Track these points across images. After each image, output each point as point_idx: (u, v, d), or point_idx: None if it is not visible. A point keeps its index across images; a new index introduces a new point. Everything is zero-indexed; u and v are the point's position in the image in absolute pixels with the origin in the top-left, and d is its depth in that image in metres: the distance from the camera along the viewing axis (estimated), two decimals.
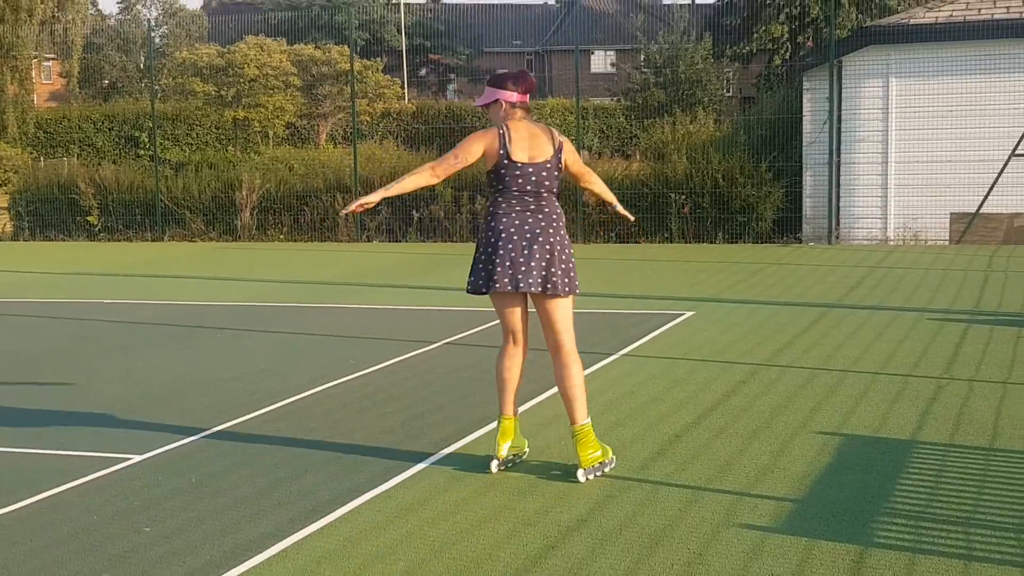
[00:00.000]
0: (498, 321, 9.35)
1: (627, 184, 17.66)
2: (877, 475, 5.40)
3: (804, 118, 16.91)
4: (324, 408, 7.09)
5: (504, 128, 5.55)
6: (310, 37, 43.61)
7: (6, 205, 21.42)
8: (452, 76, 56.24)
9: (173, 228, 19.80)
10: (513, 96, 5.60)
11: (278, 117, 32.13)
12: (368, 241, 18.68)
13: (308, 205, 19.20)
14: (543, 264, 5.49)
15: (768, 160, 17.11)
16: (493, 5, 60.07)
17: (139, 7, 61.63)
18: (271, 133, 33.88)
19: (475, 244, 5.63)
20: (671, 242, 17.30)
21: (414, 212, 18.47)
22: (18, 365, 8.80)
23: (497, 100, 5.60)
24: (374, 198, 5.50)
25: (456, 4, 60.11)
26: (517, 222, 5.51)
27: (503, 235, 5.50)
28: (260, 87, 30.38)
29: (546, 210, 5.56)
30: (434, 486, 5.42)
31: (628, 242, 17.48)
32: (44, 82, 54.95)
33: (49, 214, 20.32)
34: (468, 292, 5.65)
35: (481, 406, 6.98)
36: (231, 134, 34.90)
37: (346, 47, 31.47)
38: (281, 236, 19.26)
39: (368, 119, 33.25)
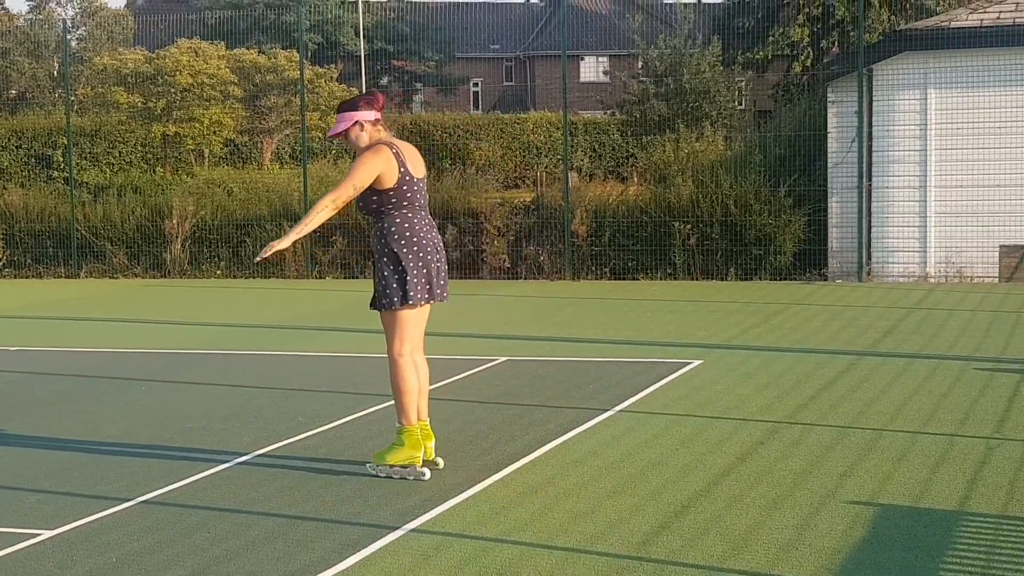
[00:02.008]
0: (469, 372, 9.56)
1: (623, 211, 17.71)
2: (919, 553, 5.39)
3: (829, 135, 17.02)
4: (267, 474, 7.05)
5: (393, 146, 6.71)
6: (253, 40, 43.76)
7: None
8: (419, 86, 56.45)
9: (91, 263, 19.73)
10: (371, 115, 6.75)
11: (215, 133, 32.08)
12: (320, 278, 18.67)
13: (250, 236, 19.17)
14: (445, 273, 6.89)
15: (787, 184, 17.20)
16: (467, 4, 60.49)
17: (52, 5, 61.73)
18: (207, 151, 33.84)
19: (384, 262, 6.69)
20: (675, 279, 17.35)
21: None
22: None
23: (356, 123, 6.73)
24: (286, 243, 6.61)
25: (424, 3, 60.46)
26: (431, 235, 6.79)
27: (428, 248, 6.74)
28: (194, 98, 30.37)
29: (432, 222, 6.89)
30: (394, 569, 5.38)
31: (624, 279, 17.52)
32: None
33: None
34: (405, 307, 6.71)
35: (454, 471, 6.95)
36: (160, 153, 34.87)
37: (295, 52, 31.55)
38: (218, 272, 19.21)
39: (320, 135, 33.31)
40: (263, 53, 32.47)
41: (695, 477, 6.75)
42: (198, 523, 6.13)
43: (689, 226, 17.30)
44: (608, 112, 39.41)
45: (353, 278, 18.47)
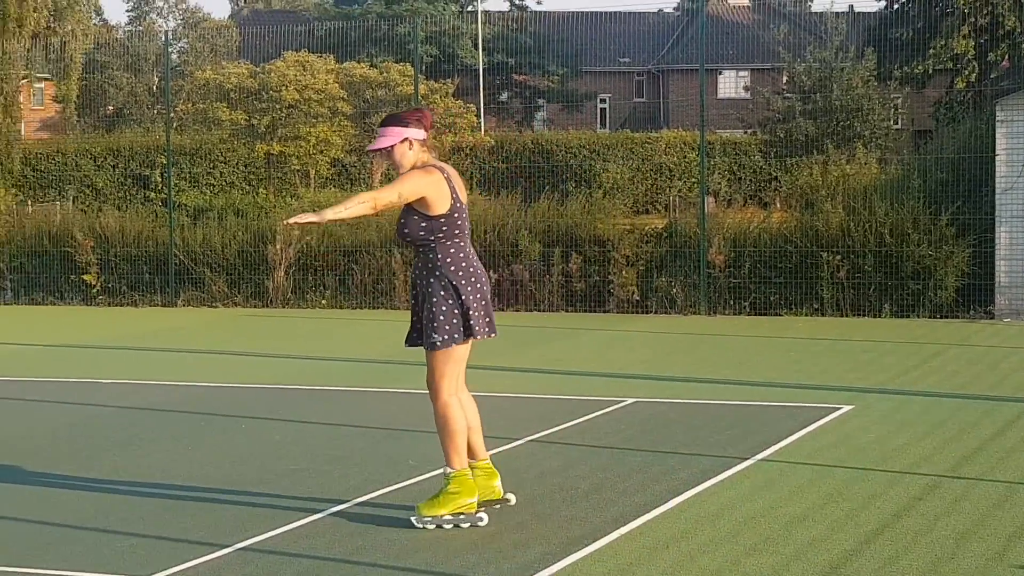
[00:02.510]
0: (594, 413, 9.55)
1: (765, 240, 17.57)
2: None
3: (997, 158, 16.72)
4: (374, 522, 7.10)
5: (443, 170, 6.78)
6: (364, 53, 44.36)
7: None
8: (541, 102, 56.73)
9: (189, 290, 20.12)
10: (421, 133, 6.78)
11: (322, 152, 32.57)
12: None
13: (358, 263, 19.39)
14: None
15: (950, 212, 16.92)
16: (595, 14, 60.65)
17: (153, 16, 63.29)
18: (313, 172, 34.37)
19: (425, 297, 6.78)
20: (822, 315, 17.15)
21: (491, 273, 18.56)
22: None
23: (406, 139, 6.74)
24: (319, 218, 6.66)
25: (548, 12, 60.80)
26: (478, 265, 6.89)
27: (483, 279, 6.89)
28: (301, 115, 30.90)
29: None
30: None
31: (766, 314, 17.36)
32: (34, 107, 56.58)
33: (37, 271, 20.80)
34: (464, 342, 6.81)
35: (576, 523, 6.93)
36: (263, 173, 35.53)
37: (409, 65, 31.96)
38: (323, 302, 19.46)
39: (435, 154, 33.67)
40: (374, 67, 32.95)
41: (845, 536, 6.64)
42: (299, 573, 6.19)
43: (839, 257, 17.08)
44: (749, 131, 39.21)
45: None
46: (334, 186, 33.38)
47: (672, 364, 13.23)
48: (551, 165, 36.98)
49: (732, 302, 17.62)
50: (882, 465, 8.25)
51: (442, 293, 6.76)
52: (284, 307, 19.51)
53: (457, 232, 6.78)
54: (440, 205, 6.72)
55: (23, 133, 43.05)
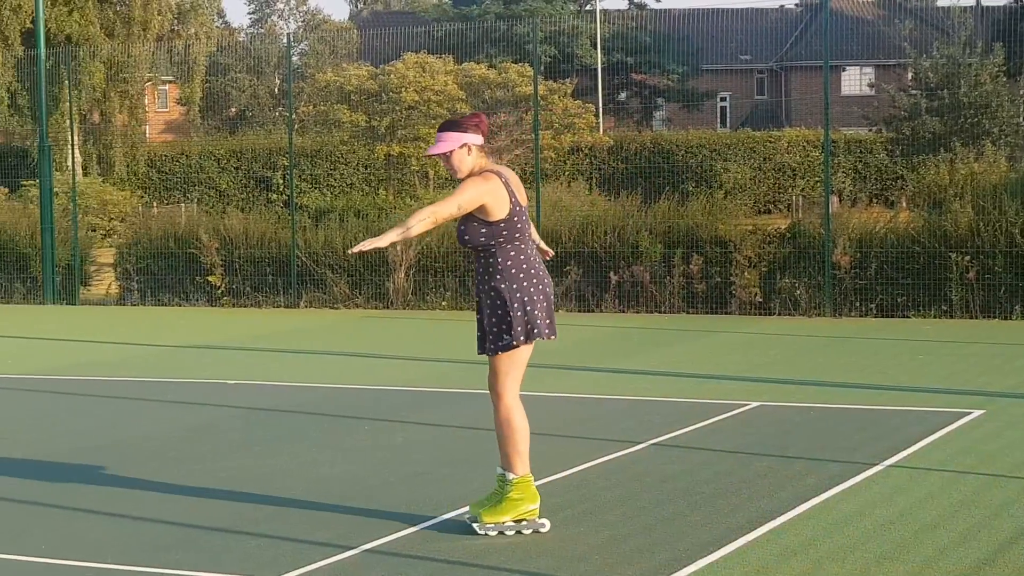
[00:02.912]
0: (718, 417, 9.50)
1: (891, 240, 17.31)
2: None
3: None
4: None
5: (501, 175, 6.83)
6: (483, 54, 44.55)
7: (112, 261, 22.40)
8: (660, 101, 56.53)
9: (311, 292, 20.34)
10: (479, 139, 6.87)
11: None
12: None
13: None
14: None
15: None
16: (716, 11, 60.26)
17: (275, 19, 64.12)
18: (432, 173, 34.62)
19: (504, 299, 6.79)
20: (951, 317, 16.85)
21: (612, 275, 18.52)
22: (116, 460, 9.12)
23: (465, 145, 6.82)
24: (383, 242, 6.67)
25: (667, 10, 60.51)
26: (540, 266, 6.95)
27: (545, 280, 6.93)
28: (420, 116, 31.14)
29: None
30: None
31: (893, 316, 17.10)
32: (159, 110, 57.70)
33: (163, 273, 21.16)
34: (529, 342, 6.84)
35: (702, 528, 6.89)
36: (383, 174, 35.88)
37: (528, 65, 32.03)
38: (443, 303, 19.57)
39: (553, 155, 33.68)
40: (493, 67, 33.08)
41: (978, 544, 6.51)
42: None
43: (968, 258, 16.78)
44: (873, 129, 38.70)
45: (588, 311, 18.54)
46: (453, 187, 33.60)
47: (797, 367, 13.08)
48: (671, 165, 36.84)
49: (858, 304, 17.38)
50: (1016, 472, 8.08)
51: (506, 296, 6.82)
52: (405, 308, 19.64)
53: (518, 236, 6.86)
54: (499, 210, 6.78)
55: (148, 135, 43.96)
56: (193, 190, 40.53)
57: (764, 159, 39.25)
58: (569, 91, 33.06)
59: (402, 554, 6.59)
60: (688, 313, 18.02)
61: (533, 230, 7.08)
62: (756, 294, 17.75)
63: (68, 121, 29.33)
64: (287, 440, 9.78)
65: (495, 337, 6.88)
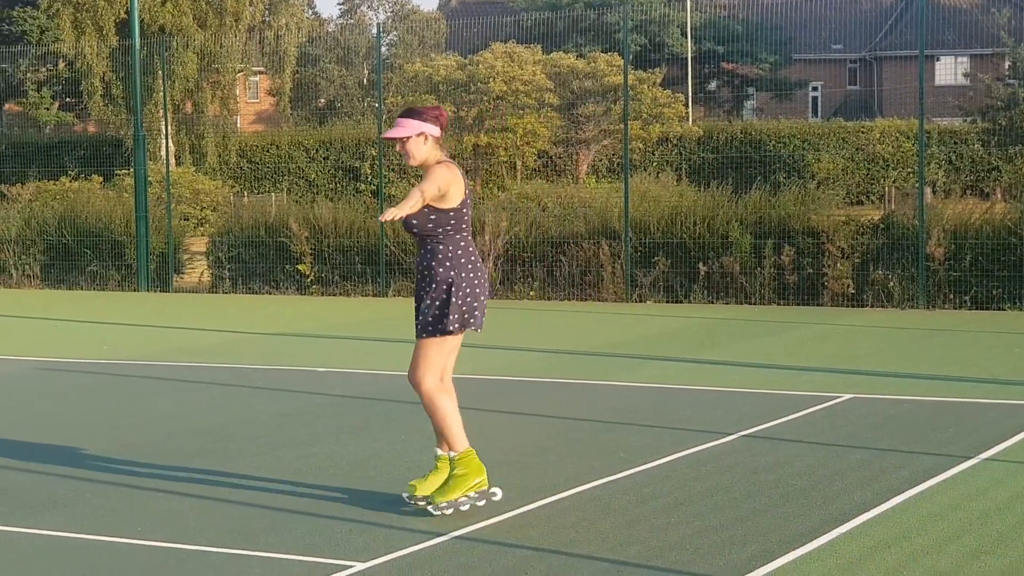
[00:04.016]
0: (809, 409, 9.63)
1: (987, 232, 17.07)
2: None
3: None
4: (587, 514, 7.13)
5: (456, 166, 7.09)
6: (571, 43, 44.51)
7: (204, 250, 22.67)
8: (751, 90, 56.14)
9: (399, 281, 20.45)
10: (437, 130, 7.07)
11: (529, 144, 32.84)
12: (640, 301, 18.77)
13: (565, 254, 19.46)
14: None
15: None
16: (808, 0, 59.64)
17: (364, 9, 64.43)
18: (519, 164, 34.69)
19: (445, 287, 7.00)
20: None
21: (700, 266, 18.43)
22: (210, 444, 9.25)
23: (423, 134, 7.02)
24: (403, 212, 6.78)
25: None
26: (478, 258, 7.17)
27: (480, 275, 7.12)
28: (508, 106, 31.19)
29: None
30: None
31: (988, 308, 16.87)
32: (250, 100, 58.27)
33: (253, 261, 21.37)
34: (460, 332, 7.09)
35: (794, 519, 6.85)
36: (471, 165, 35.98)
37: (617, 55, 31.95)
38: (531, 293, 19.59)
39: (641, 146, 33.58)
40: (581, 57, 33.04)
41: None
42: (515, 563, 6.25)
43: None
44: (968, 119, 38.17)
45: (676, 302, 18.47)
46: (541, 177, 33.62)
47: (890, 359, 12.95)
48: (761, 155, 36.56)
49: (952, 296, 17.16)
50: None
51: (451, 283, 7.03)
52: (492, 298, 19.63)
53: (464, 226, 7.12)
54: (455, 199, 7.03)
55: (239, 126, 44.41)
56: (283, 180, 40.90)
57: (856, 149, 38.86)
58: (658, 80, 32.96)
59: (491, 541, 6.62)
60: (779, 304, 17.89)
61: None
62: (848, 286, 17.58)
63: (161, 111, 29.74)
64: (377, 427, 9.86)
65: (435, 320, 7.07)
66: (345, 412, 10.64)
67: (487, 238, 19.73)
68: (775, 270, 18.05)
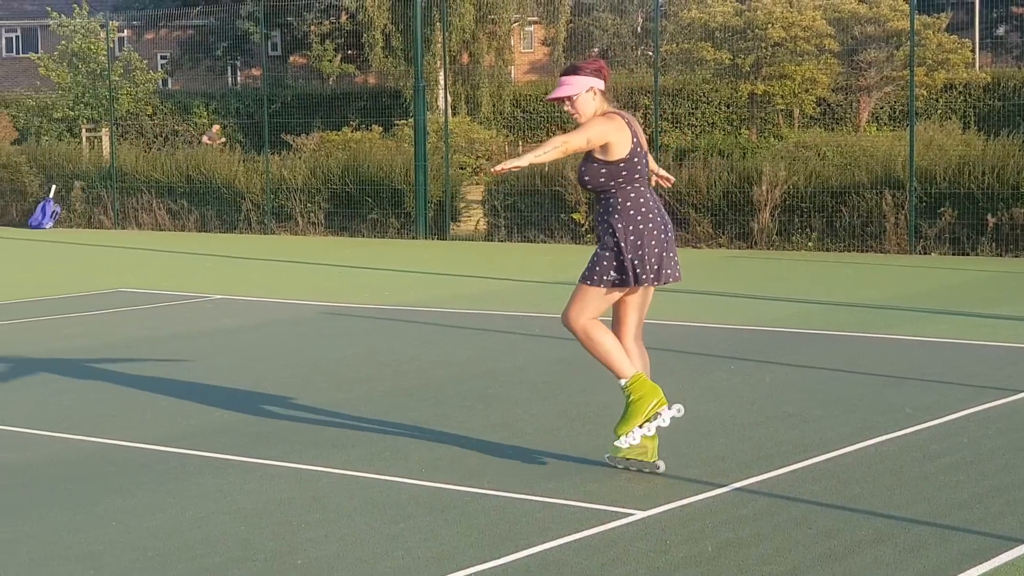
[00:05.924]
0: None
1: None
2: None
3: None
4: (871, 469, 7.00)
5: (624, 116, 6.93)
6: None
7: (480, 198, 23.03)
8: None
9: (678, 232, 20.37)
10: (602, 84, 6.97)
11: (807, 91, 32.19)
12: (925, 253, 18.26)
13: (846, 205, 19.06)
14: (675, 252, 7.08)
15: None
16: None
17: None
18: (797, 112, 34.05)
19: (607, 238, 6.88)
20: None
21: (989, 217, 17.79)
22: (491, 389, 9.43)
23: (591, 89, 6.92)
24: (523, 162, 6.77)
25: None
26: (659, 211, 6.98)
27: (654, 228, 6.88)
28: (787, 53, 30.62)
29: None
30: None
31: None
32: (524, 51, 58.76)
33: (529, 210, 21.61)
34: (600, 284, 6.86)
35: None
36: (746, 113, 35.52)
37: (901, 0, 31.02)
38: (810, 244, 19.27)
39: (925, 93, 32.54)
40: (863, 1, 32.14)
41: None
42: (797, 517, 6.19)
43: None
44: None
45: (963, 254, 17.89)
46: (818, 125, 32.96)
47: None
48: None
49: None
50: None
51: (620, 236, 6.85)
52: (769, 249, 19.44)
53: (637, 177, 6.92)
54: (621, 150, 6.85)
55: (514, 76, 44.85)
56: (556, 130, 41.12)
57: None
58: (944, 26, 31.83)
59: (773, 494, 6.56)
60: None
61: (652, 161, 7.14)
62: None
63: (439, 62, 30.27)
64: (658, 378, 9.84)
65: (595, 269, 6.93)
66: None
67: (764, 187, 19.49)
68: None
